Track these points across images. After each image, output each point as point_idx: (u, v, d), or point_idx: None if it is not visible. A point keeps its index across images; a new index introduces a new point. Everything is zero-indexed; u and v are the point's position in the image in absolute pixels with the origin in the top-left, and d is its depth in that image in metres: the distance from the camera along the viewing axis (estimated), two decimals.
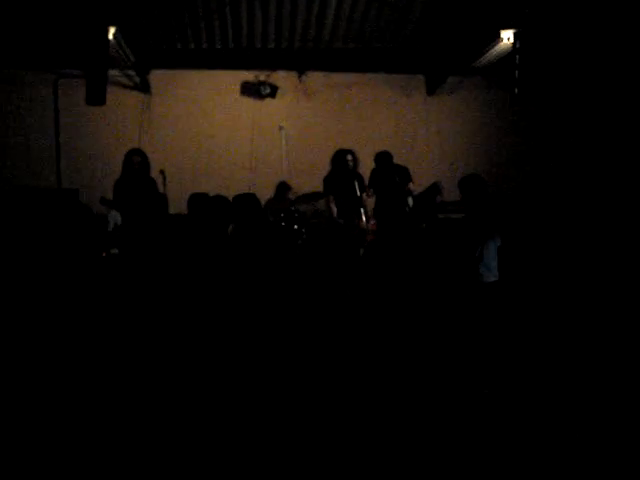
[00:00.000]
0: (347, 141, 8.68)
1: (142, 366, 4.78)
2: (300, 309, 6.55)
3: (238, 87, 10.63)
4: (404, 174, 8.20)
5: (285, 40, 9.87)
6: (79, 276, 7.34)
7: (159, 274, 6.82)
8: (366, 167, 8.22)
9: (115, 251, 7.73)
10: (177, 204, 8.65)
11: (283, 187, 9.64)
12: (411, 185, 8.16)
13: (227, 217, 7.92)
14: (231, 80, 10.60)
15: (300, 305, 6.71)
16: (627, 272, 6.94)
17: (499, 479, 3.26)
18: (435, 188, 8.90)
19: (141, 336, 5.50)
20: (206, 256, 7.36)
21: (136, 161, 7.18)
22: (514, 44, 8.06)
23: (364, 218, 7.71)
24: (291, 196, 9.52)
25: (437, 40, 9.76)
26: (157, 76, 10.47)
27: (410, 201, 8.20)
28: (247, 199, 8.45)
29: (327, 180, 8.00)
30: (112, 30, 7.62)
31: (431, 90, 10.99)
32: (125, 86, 10.29)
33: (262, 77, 10.48)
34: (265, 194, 9.92)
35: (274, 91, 10.42)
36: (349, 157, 7.83)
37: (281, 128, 10.22)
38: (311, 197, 9.33)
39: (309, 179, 10.11)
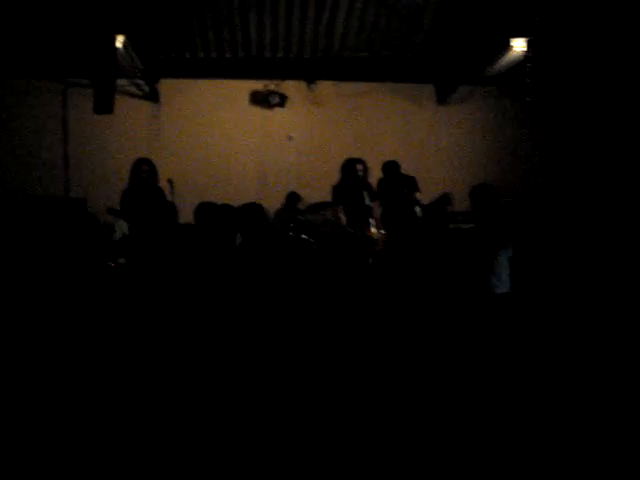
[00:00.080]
0: (357, 150, 8.61)
1: (150, 373, 4.77)
2: (308, 317, 6.53)
3: (247, 96, 10.60)
4: (411, 183, 8.12)
5: (294, 49, 9.84)
6: (86, 285, 7.34)
7: (166, 284, 6.78)
8: (376, 177, 8.14)
9: (122, 261, 7.67)
10: (185, 214, 8.61)
11: (293, 197, 9.56)
12: (418, 195, 8.08)
13: (235, 227, 7.87)
14: (240, 89, 10.57)
15: (308, 313, 6.68)
16: None
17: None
18: (445, 198, 8.82)
19: (147, 344, 5.50)
20: (214, 266, 7.32)
21: (144, 170, 7.12)
22: (525, 52, 7.97)
23: (374, 228, 7.62)
24: (301, 206, 9.45)
25: (447, 49, 9.71)
26: (166, 85, 10.45)
27: (418, 210, 8.12)
28: (253, 209, 8.39)
29: (336, 189, 7.92)
30: (120, 39, 7.61)
31: (441, 99, 10.92)
32: (134, 95, 10.28)
33: (271, 86, 10.43)
34: (275, 204, 9.87)
35: (283, 100, 10.38)
36: (359, 166, 7.74)
37: (290, 138, 10.18)
38: (320, 206, 9.26)
39: (319, 188, 10.05)
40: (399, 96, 10.86)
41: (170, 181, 7.43)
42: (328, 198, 8.37)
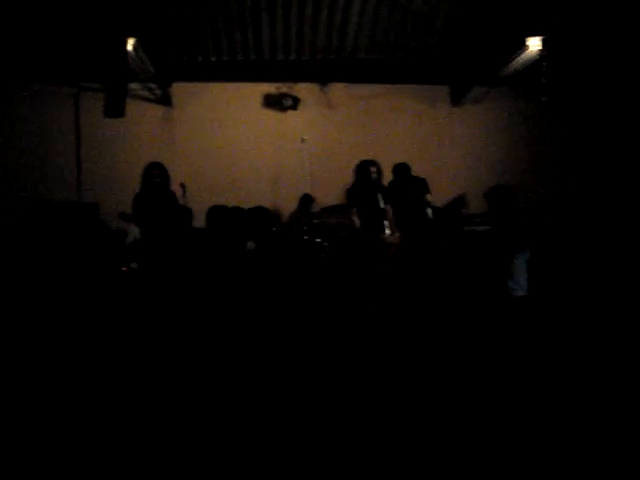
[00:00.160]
0: (370, 153, 8.50)
1: (157, 374, 4.81)
2: (322, 321, 6.50)
3: (260, 99, 10.57)
4: (422, 185, 8.07)
5: (307, 51, 9.78)
6: (98, 289, 7.35)
7: (177, 288, 6.76)
8: (388, 179, 8.08)
9: (135, 265, 7.64)
10: (198, 217, 8.57)
11: (306, 199, 9.51)
12: (429, 196, 8.02)
13: (245, 230, 7.84)
14: (253, 92, 10.54)
15: (322, 317, 6.65)
16: None
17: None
18: (460, 200, 8.75)
19: (156, 346, 5.53)
20: (224, 270, 7.29)
21: (156, 174, 7.06)
22: (541, 51, 7.86)
23: (388, 231, 7.54)
24: (314, 209, 9.40)
25: (462, 49, 9.61)
26: (178, 89, 10.43)
27: (429, 212, 8.06)
28: (261, 214, 8.36)
29: (350, 192, 7.84)
30: (131, 42, 7.58)
31: (456, 100, 10.83)
32: (146, 99, 10.27)
33: (284, 89, 10.40)
34: (288, 207, 9.86)
35: (296, 103, 10.33)
36: (373, 169, 7.65)
37: (303, 140, 10.10)
38: (334, 210, 9.21)
39: (332, 191, 10.00)
40: (413, 98, 10.79)
41: (182, 185, 7.39)
42: (342, 201, 8.32)
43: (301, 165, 10.14)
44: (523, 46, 8.11)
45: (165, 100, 10.34)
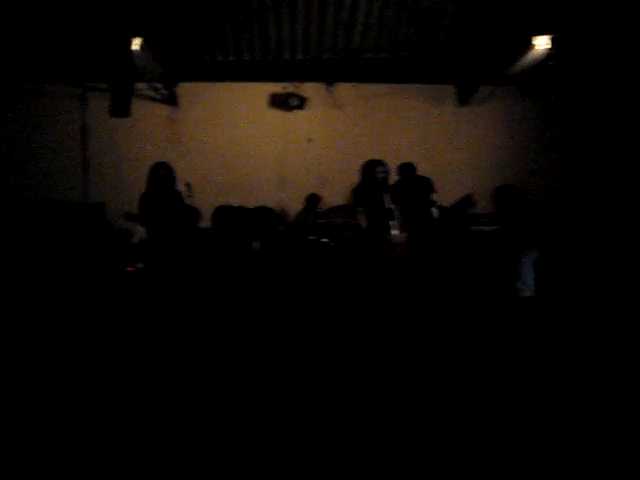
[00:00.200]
0: (377, 152, 8.46)
1: (165, 376, 4.78)
2: (328, 320, 6.51)
3: (266, 99, 10.55)
4: (427, 185, 8.03)
5: (313, 51, 9.75)
6: (104, 289, 7.35)
7: (183, 288, 6.75)
8: (395, 179, 8.06)
9: (140, 265, 7.64)
10: (204, 217, 8.56)
11: (313, 199, 9.50)
12: (434, 196, 7.98)
13: (250, 230, 7.83)
14: (259, 92, 10.53)
15: (328, 316, 6.66)
16: None
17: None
18: (467, 200, 8.70)
19: (163, 347, 5.51)
20: (230, 270, 7.27)
21: (161, 174, 7.03)
22: (548, 50, 7.81)
23: (394, 231, 7.50)
24: (321, 208, 9.39)
25: (468, 48, 9.56)
26: (185, 89, 10.43)
27: (435, 212, 8.04)
28: (264, 214, 8.35)
29: (356, 192, 7.80)
30: (137, 41, 7.56)
31: (463, 100, 10.78)
32: (153, 99, 10.27)
33: (290, 89, 10.40)
34: (294, 206, 9.84)
35: (302, 103, 10.32)
36: (379, 168, 7.60)
37: (310, 140, 10.08)
38: (341, 209, 9.18)
39: (338, 191, 10.00)
40: (419, 97, 10.75)
41: (188, 185, 7.37)
42: (348, 200, 8.30)
43: (307, 165, 10.15)
44: (530, 45, 8.06)
45: (171, 100, 10.33)
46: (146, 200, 7.11)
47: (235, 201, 9.67)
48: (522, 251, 5.47)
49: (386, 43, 9.53)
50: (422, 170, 8.56)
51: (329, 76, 10.43)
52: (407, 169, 8.12)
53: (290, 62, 10.04)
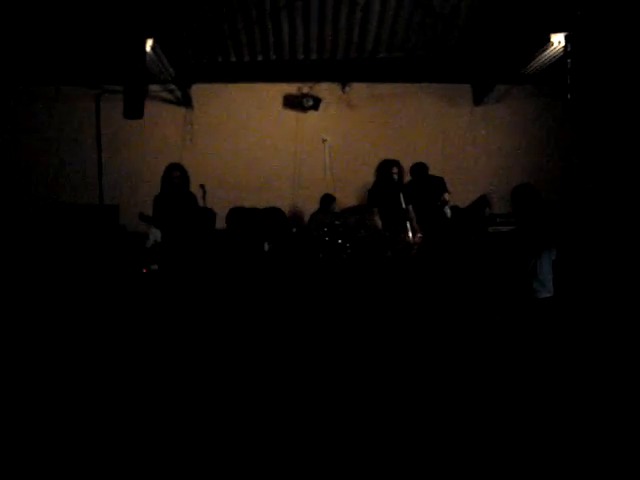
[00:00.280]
0: (392, 153, 8.42)
1: (176, 377, 4.81)
2: (343, 322, 6.50)
3: (280, 100, 10.52)
4: (439, 184, 7.97)
5: (327, 51, 9.72)
6: (118, 291, 7.37)
7: (197, 290, 6.74)
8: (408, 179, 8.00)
9: (155, 267, 7.63)
10: (218, 219, 8.53)
11: (327, 199, 9.46)
12: (446, 195, 7.91)
13: (262, 232, 7.82)
14: (273, 93, 10.50)
15: (343, 318, 6.64)
16: None
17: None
18: (484, 200, 8.63)
19: (175, 348, 5.55)
20: (243, 272, 7.26)
21: (175, 176, 7.03)
22: (565, 48, 7.69)
23: (410, 231, 7.45)
24: (335, 209, 9.36)
25: (484, 47, 9.48)
26: (199, 90, 10.41)
27: (448, 212, 7.98)
28: (275, 215, 8.33)
29: (372, 192, 7.77)
30: (150, 42, 7.54)
31: (478, 100, 10.69)
32: (167, 101, 10.28)
33: (305, 89, 10.35)
34: (309, 207, 9.80)
35: (317, 103, 10.25)
36: (394, 169, 7.58)
37: (324, 141, 10.03)
38: (356, 210, 9.15)
39: (353, 191, 9.96)
40: (435, 97, 10.67)
41: (202, 187, 7.36)
42: (363, 201, 8.26)
43: (322, 165, 10.10)
44: (547, 43, 7.93)
45: (185, 101, 10.32)
46: (160, 202, 7.11)
47: (250, 202, 9.64)
48: (540, 252, 5.38)
49: (400, 42, 9.47)
50: (438, 170, 8.51)
51: (343, 76, 10.38)
52: (419, 169, 8.05)
53: (304, 62, 10.01)
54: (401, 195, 7.43)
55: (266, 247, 8.38)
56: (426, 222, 7.74)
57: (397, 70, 10.20)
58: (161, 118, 10.18)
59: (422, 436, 3.77)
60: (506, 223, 7.45)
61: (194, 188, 7.32)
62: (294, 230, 9.44)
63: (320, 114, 10.40)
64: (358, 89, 10.56)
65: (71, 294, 7.30)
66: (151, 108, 9.71)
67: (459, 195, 9.37)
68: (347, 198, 10.13)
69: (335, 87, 10.53)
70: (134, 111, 7.81)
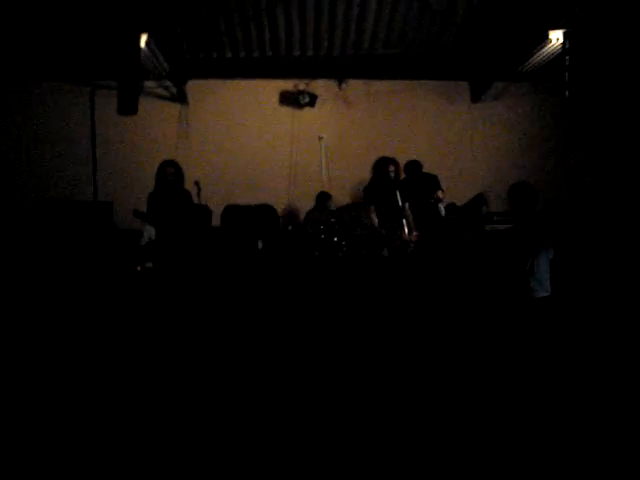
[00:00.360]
0: (389, 151, 8.36)
1: (170, 376, 4.79)
2: (339, 321, 6.47)
3: (276, 96, 10.46)
4: (433, 182, 7.92)
5: (324, 47, 9.62)
6: (111, 288, 7.32)
7: (191, 288, 6.70)
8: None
9: (149, 265, 7.58)
10: (213, 216, 8.47)
11: (323, 197, 9.41)
12: (440, 193, 7.87)
13: (255, 229, 7.78)
14: (269, 89, 10.43)
15: (339, 317, 6.62)
16: None
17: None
18: (481, 198, 8.59)
19: (169, 346, 5.53)
20: (237, 270, 7.22)
21: (169, 173, 6.97)
22: (563, 45, 7.64)
23: (406, 229, 7.40)
24: (331, 206, 9.31)
25: (481, 44, 9.41)
26: (194, 86, 10.33)
27: (442, 209, 7.93)
28: (266, 212, 8.29)
29: (368, 190, 7.71)
30: (144, 37, 7.47)
31: (475, 97, 10.64)
32: (162, 97, 10.19)
33: (301, 86, 10.27)
34: (304, 205, 9.75)
35: (313, 100, 10.19)
36: (391, 166, 7.52)
37: (321, 138, 9.98)
38: (352, 208, 9.10)
39: (350, 189, 9.90)
40: (432, 94, 10.62)
41: (197, 183, 7.31)
42: (359, 199, 8.21)
43: (318, 163, 10.04)
44: (545, 39, 7.89)
45: (180, 98, 10.24)
46: (154, 199, 7.05)
47: (245, 200, 9.58)
48: (537, 250, 5.33)
49: (397, 39, 9.40)
50: (435, 168, 8.46)
51: (340, 73, 10.31)
52: (413, 167, 8.01)
53: (300, 59, 9.93)
54: (397, 193, 7.38)
55: (260, 245, 8.33)
56: (421, 220, 7.71)
57: (394, 67, 10.12)
58: (156, 114, 10.09)
59: (422, 436, 3.73)
60: (503, 221, 7.41)
61: (189, 185, 7.27)
62: (290, 228, 9.39)
63: (316, 111, 10.34)
64: (355, 86, 10.50)
65: (64, 291, 7.25)
66: (146, 104, 9.67)
67: (456, 193, 9.34)
68: (343, 196, 10.09)
69: (332, 84, 10.47)
70: (128, 107, 7.76)
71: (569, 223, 7.50)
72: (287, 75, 10.26)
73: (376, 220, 7.61)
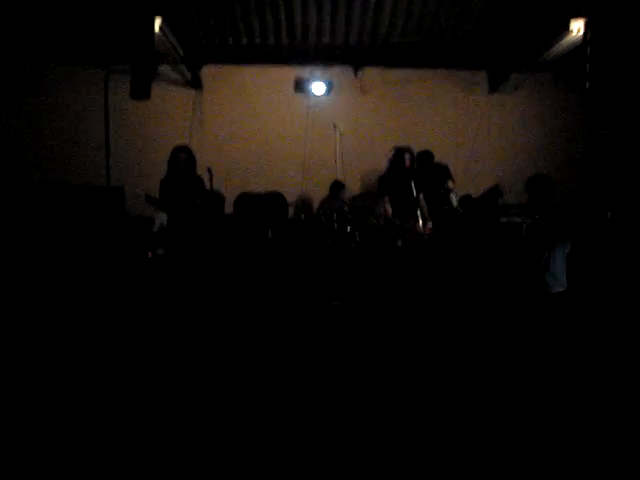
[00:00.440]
0: (404, 140, 8.29)
1: (180, 367, 4.77)
2: (352, 313, 6.42)
3: (292, 83, 10.36)
4: (444, 172, 7.85)
5: (340, 34, 9.50)
6: (122, 274, 7.30)
7: (201, 275, 6.66)
8: None
9: (161, 252, 7.54)
10: (228, 203, 8.42)
11: (337, 186, 9.34)
12: (450, 183, 7.79)
13: (265, 218, 7.74)
14: (285, 76, 10.33)
15: (352, 309, 6.56)
16: None
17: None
18: (496, 190, 8.50)
19: (179, 336, 5.51)
20: (249, 259, 7.18)
21: (182, 159, 6.94)
22: (585, 35, 7.49)
23: (421, 221, 7.32)
24: (345, 196, 9.25)
25: (500, 33, 9.25)
26: (209, 72, 10.27)
27: (454, 200, 7.85)
28: (275, 199, 8.24)
29: (383, 180, 7.65)
30: (158, 21, 7.39)
31: (493, 87, 10.49)
32: (176, 82, 10.14)
33: (317, 73, 10.15)
34: (318, 194, 9.71)
35: (329, 88, 10.07)
36: (407, 156, 7.45)
37: (336, 126, 9.89)
38: (366, 197, 9.04)
39: (364, 178, 9.82)
40: (449, 83, 10.49)
41: (209, 170, 7.24)
42: (374, 188, 8.14)
43: (332, 151, 9.95)
44: (566, 29, 7.73)
45: (195, 83, 10.18)
46: (166, 185, 7.02)
47: (258, 187, 9.53)
48: (553, 244, 5.25)
49: (415, 27, 9.25)
50: (451, 158, 8.39)
51: (356, 60, 10.21)
52: (425, 157, 7.92)
53: (316, 45, 9.82)
54: (412, 183, 7.30)
55: (270, 234, 8.29)
56: (433, 210, 7.64)
57: (411, 55, 10.00)
58: (170, 100, 10.05)
59: (425, 432, 3.68)
60: (519, 214, 7.32)
61: (202, 171, 7.21)
62: (303, 217, 9.33)
63: (332, 99, 10.24)
64: (371, 74, 10.40)
65: (74, 277, 7.23)
66: (160, 89, 9.59)
67: (472, 184, 9.24)
68: (357, 185, 10.02)
69: (348, 71, 10.37)
70: (141, 91, 7.66)
71: (587, 217, 7.38)
72: (303, 62, 10.16)
73: (390, 210, 7.55)
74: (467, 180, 9.48)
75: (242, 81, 10.30)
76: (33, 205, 8.65)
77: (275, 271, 7.62)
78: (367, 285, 7.31)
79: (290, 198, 9.73)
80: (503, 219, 7.73)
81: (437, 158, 8.32)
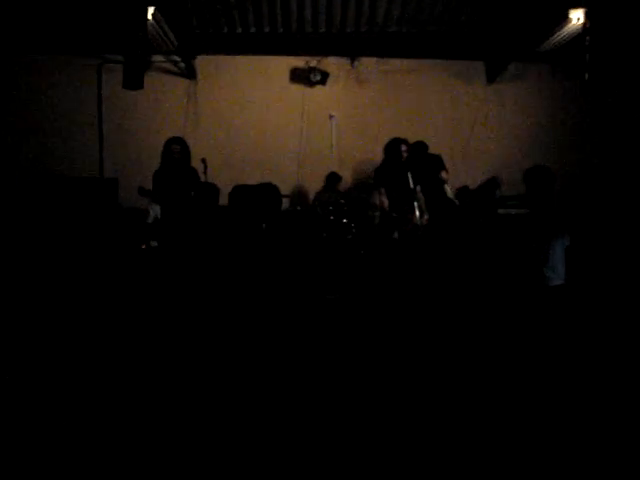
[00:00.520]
0: (401, 131, 8.21)
1: (175, 362, 4.66)
2: (348, 306, 6.35)
3: (287, 73, 10.28)
4: (437, 162, 7.77)
5: (337, 24, 9.43)
6: (115, 266, 7.26)
7: (197, 267, 6.60)
8: None
9: (154, 244, 7.48)
10: (223, 195, 8.34)
11: (333, 178, 9.29)
12: (444, 174, 7.71)
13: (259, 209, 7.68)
14: (280, 66, 10.25)
15: (348, 302, 6.48)
16: None
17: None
18: (494, 182, 8.47)
19: (173, 330, 5.40)
20: (242, 251, 7.12)
21: (175, 150, 6.85)
22: (584, 25, 7.41)
23: (417, 212, 7.25)
24: (341, 187, 9.20)
25: (498, 23, 9.19)
26: (203, 62, 10.16)
27: (448, 191, 7.79)
28: (269, 191, 8.16)
29: (379, 171, 7.58)
30: (151, 10, 7.30)
31: (491, 78, 10.42)
32: (170, 72, 10.05)
33: (312, 63, 10.07)
34: (314, 185, 9.65)
35: (325, 78, 10.01)
36: (403, 147, 7.38)
37: (331, 117, 9.82)
38: (362, 189, 8.99)
39: (360, 170, 9.75)
40: (446, 74, 10.41)
41: (203, 161, 7.17)
42: (370, 180, 8.08)
43: (328, 142, 9.89)
44: (565, 19, 7.67)
45: (189, 73, 10.09)
46: (160, 176, 6.94)
47: (253, 179, 9.45)
48: (552, 236, 5.20)
49: (412, 16, 9.17)
50: (447, 149, 8.32)
51: (353, 50, 10.12)
52: (419, 148, 7.84)
53: (312, 35, 9.72)
54: (409, 175, 7.22)
55: (265, 226, 8.23)
56: (429, 202, 7.58)
57: (408, 45, 9.92)
58: (164, 90, 9.97)
59: (422, 428, 3.61)
60: (517, 206, 7.27)
61: (196, 163, 7.13)
62: (298, 208, 9.25)
63: (327, 89, 10.16)
64: (367, 64, 10.31)
65: (68, 269, 7.17)
66: (153, 80, 9.51)
67: (469, 176, 9.18)
68: (353, 176, 9.95)
69: (344, 61, 10.28)
70: (134, 81, 7.56)
71: (585, 210, 7.33)
72: (298, 52, 10.07)
73: (387, 202, 7.49)
74: (464, 171, 9.43)
75: (237, 71, 10.21)
76: (26, 196, 8.58)
77: (270, 263, 7.55)
78: (363, 278, 7.25)
79: (285, 189, 9.63)
80: (501, 211, 7.68)
81: (434, 149, 8.23)
